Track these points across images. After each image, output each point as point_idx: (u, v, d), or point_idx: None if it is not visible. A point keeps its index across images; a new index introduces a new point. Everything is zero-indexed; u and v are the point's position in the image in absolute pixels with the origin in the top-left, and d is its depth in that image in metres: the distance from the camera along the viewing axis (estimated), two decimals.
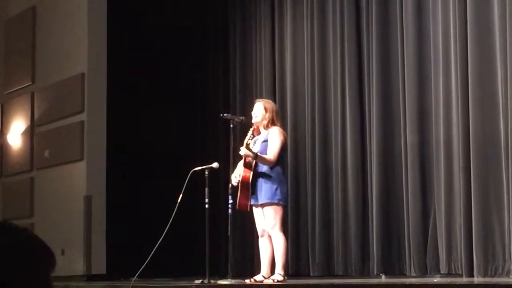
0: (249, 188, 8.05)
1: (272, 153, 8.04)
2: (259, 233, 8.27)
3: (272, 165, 8.06)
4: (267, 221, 8.07)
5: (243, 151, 7.97)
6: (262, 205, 8.09)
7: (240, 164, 8.22)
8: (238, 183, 8.13)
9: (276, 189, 8.03)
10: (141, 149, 12.25)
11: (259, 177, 8.06)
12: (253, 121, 8.24)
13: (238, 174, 8.19)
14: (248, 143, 7.96)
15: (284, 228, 8.56)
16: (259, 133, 8.23)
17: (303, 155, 10.90)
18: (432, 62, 9.31)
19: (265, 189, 8.03)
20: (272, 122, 8.22)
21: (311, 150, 10.76)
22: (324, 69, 10.75)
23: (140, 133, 12.31)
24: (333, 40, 10.65)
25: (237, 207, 8.17)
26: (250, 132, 8.08)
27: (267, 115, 8.21)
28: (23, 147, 13.47)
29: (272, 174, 8.06)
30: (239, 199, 8.10)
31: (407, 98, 9.54)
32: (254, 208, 8.20)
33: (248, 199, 8.08)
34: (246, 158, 8.04)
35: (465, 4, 8.76)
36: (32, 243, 1.62)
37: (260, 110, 8.24)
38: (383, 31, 9.99)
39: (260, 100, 8.58)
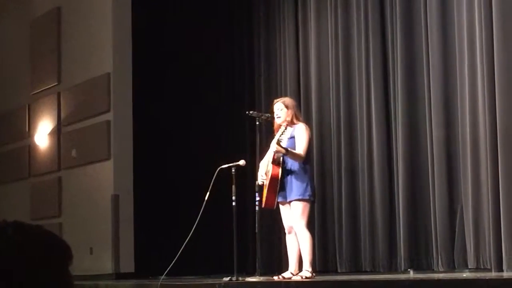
0: (278, 185, 8.06)
1: (302, 149, 8.07)
2: (286, 230, 8.28)
3: (302, 161, 8.08)
4: (294, 216, 8.07)
5: (274, 147, 7.99)
6: (290, 201, 8.09)
7: (264, 162, 8.23)
8: (264, 181, 8.14)
9: (307, 185, 8.06)
10: (167, 148, 12.30)
11: (288, 174, 8.08)
12: (277, 121, 8.25)
13: (264, 172, 8.19)
14: (279, 139, 7.98)
15: (311, 224, 8.57)
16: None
17: (329, 151, 10.88)
18: (457, 56, 9.26)
19: (295, 185, 8.04)
20: (296, 118, 8.26)
21: (337, 147, 10.75)
22: (349, 65, 10.73)
23: (166, 132, 12.35)
24: (357, 36, 10.62)
25: (263, 205, 8.17)
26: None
27: (289, 111, 8.25)
28: (50, 147, 13.56)
29: (302, 170, 8.08)
30: (266, 197, 8.10)
31: (433, 92, 9.49)
32: (281, 205, 8.21)
33: (275, 197, 8.09)
34: (275, 154, 8.05)
35: None
36: (46, 239, 1.64)
37: (282, 109, 8.26)
38: (408, 25, 9.95)
39: (278, 99, 8.59)
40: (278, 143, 7.95)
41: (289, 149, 8.01)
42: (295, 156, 8.05)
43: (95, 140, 12.41)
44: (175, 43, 12.65)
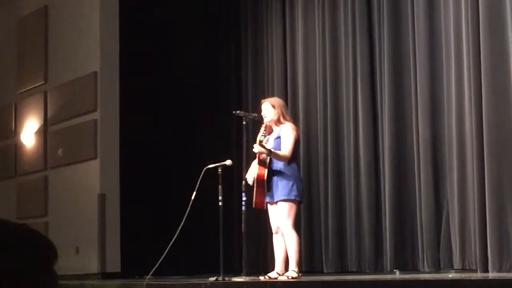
0: (265, 185, 8.05)
1: (286, 149, 8.05)
2: (274, 230, 8.28)
3: (287, 161, 8.08)
4: (281, 217, 8.07)
5: (256, 148, 7.98)
6: (277, 202, 8.09)
7: (255, 162, 8.23)
8: (253, 181, 8.13)
9: (293, 185, 8.04)
10: (154, 147, 12.27)
11: (274, 174, 8.07)
12: (264, 121, 8.25)
13: (253, 172, 8.19)
14: (261, 140, 7.97)
15: (297, 224, 8.56)
16: (271, 131, 8.24)
17: (315, 152, 10.90)
18: (444, 57, 9.28)
19: (281, 185, 8.03)
20: (283, 117, 8.24)
21: (324, 147, 10.76)
22: (336, 65, 10.75)
23: (153, 131, 12.32)
24: (344, 36, 10.64)
25: (253, 205, 8.17)
26: (262, 129, 8.10)
27: (276, 111, 8.23)
28: (37, 146, 13.50)
29: (288, 171, 8.07)
30: (255, 197, 8.10)
31: (419, 93, 9.52)
32: (269, 205, 8.21)
33: (264, 196, 8.09)
34: (260, 155, 8.05)
35: None
36: (31, 238, 1.63)
37: (268, 109, 8.26)
38: (395, 26, 9.97)
39: (266, 99, 8.59)
40: (261, 144, 7.95)
41: (272, 150, 8.00)
42: (279, 157, 8.04)
43: (81, 139, 12.37)
44: (162, 42, 12.63)
